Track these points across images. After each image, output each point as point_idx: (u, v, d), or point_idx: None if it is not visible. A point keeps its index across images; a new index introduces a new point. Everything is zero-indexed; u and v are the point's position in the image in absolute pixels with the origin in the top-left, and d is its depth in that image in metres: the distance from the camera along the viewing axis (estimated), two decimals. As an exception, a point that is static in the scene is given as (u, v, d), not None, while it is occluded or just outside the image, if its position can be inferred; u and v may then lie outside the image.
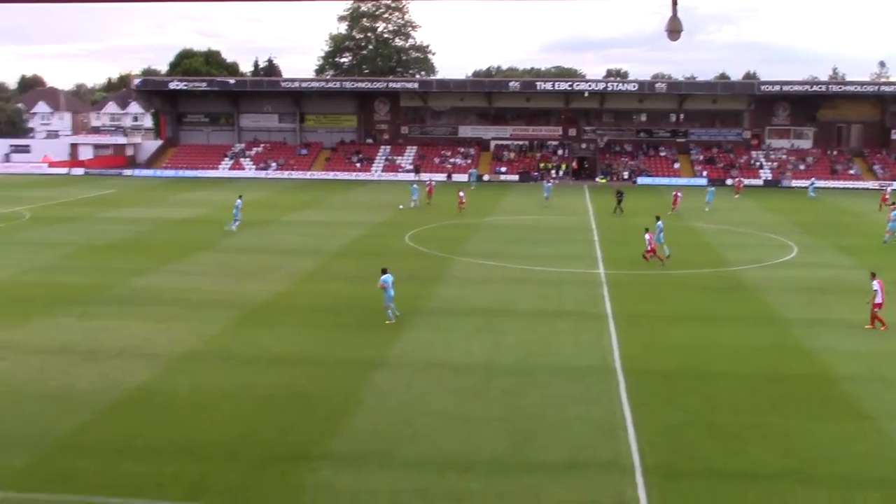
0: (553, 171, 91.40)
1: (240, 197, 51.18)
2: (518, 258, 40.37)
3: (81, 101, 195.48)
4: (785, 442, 18.30)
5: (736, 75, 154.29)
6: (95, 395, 20.54)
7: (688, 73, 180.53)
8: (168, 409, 19.85)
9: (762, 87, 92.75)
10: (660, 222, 41.71)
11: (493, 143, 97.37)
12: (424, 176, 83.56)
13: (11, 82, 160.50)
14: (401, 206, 58.16)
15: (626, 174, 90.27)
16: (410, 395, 21.00)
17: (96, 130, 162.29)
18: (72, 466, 16.56)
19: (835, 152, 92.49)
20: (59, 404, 19.95)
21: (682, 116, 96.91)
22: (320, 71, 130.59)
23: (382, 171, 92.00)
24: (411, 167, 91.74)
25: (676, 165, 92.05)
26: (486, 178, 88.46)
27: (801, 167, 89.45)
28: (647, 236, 38.86)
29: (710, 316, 29.65)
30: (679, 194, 60.19)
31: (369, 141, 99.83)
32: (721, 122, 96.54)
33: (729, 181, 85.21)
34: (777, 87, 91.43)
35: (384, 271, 27.44)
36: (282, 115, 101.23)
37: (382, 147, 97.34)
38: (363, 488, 15.77)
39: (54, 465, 16.61)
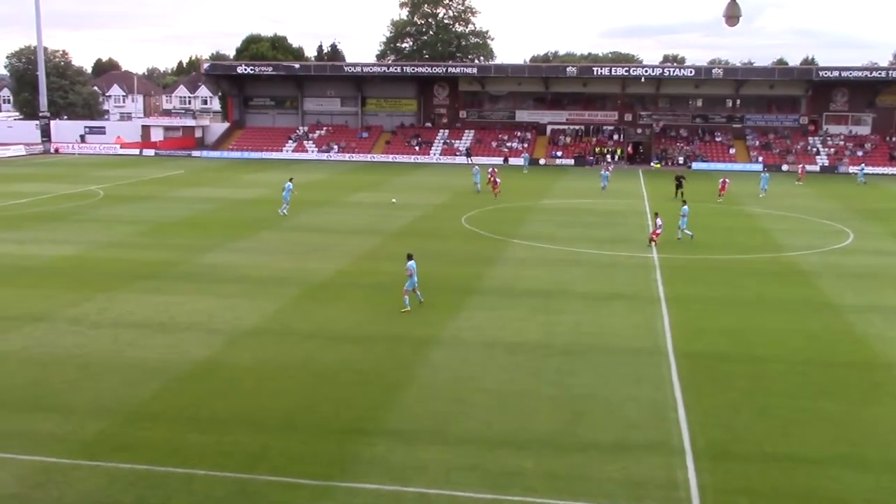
0: (608, 156, 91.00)
1: (290, 180, 50.88)
2: (572, 241, 40.58)
3: (153, 84, 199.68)
4: (835, 427, 18.36)
5: (793, 61, 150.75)
6: (165, 367, 21.49)
7: (745, 59, 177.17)
8: (231, 382, 20.68)
9: (820, 73, 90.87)
10: (685, 207, 41.62)
11: (549, 128, 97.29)
12: (478, 159, 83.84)
13: (88, 66, 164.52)
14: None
15: (681, 159, 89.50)
16: (464, 372, 21.50)
17: (167, 113, 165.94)
18: (141, 435, 17.37)
19: (894, 139, 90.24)
20: (130, 375, 20.91)
21: (738, 102, 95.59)
22: (382, 56, 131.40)
23: (440, 154, 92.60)
24: (463, 152, 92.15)
25: (732, 151, 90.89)
26: (541, 161, 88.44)
27: (859, 153, 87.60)
28: (658, 221, 38.72)
29: (763, 300, 29.57)
30: (727, 181, 58.42)
31: (428, 125, 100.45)
32: (778, 108, 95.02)
33: (785, 167, 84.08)
34: (835, 73, 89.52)
35: (409, 257, 27.12)
36: (344, 99, 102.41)
37: (441, 131, 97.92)
38: (416, 464, 16.22)
39: (125, 434, 17.43)
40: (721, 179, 58.51)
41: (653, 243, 38.27)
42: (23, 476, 15.40)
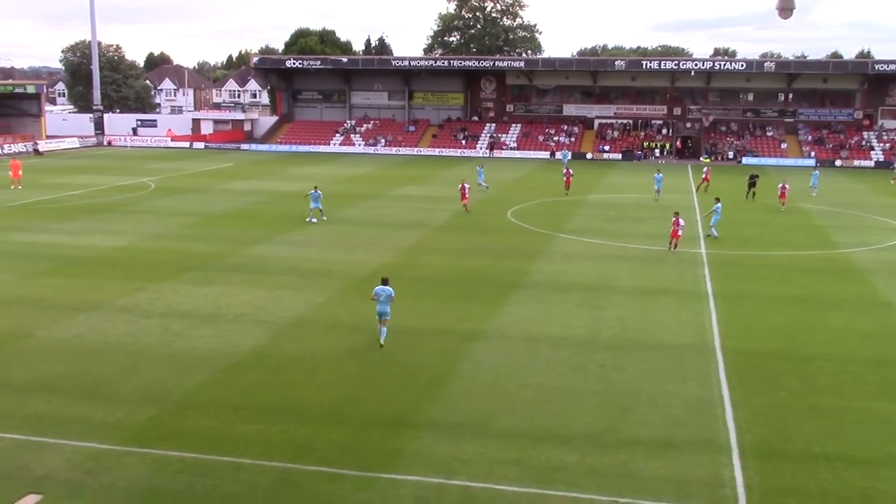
0: (656, 150, 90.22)
1: (315, 188, 45.19)
2: (619, 236, 40.28)
3: (204, 78, 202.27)
4: (888, 427, 18.01)
5: (848, 54, 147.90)
6: (213, 357, 21.82)
7: (798, 52, 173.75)
8: (278, 373, 20.91)
9: (876, 66, 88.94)
10: (718, 205, 40.21)
11: (596, 122, 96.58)
12: (525, 154, 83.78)
13: (140, 60, 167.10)
14: (484, 185, 55.55)
15: (730, 154, 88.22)
16: (508, 367, 21.48)
17: (217, 106, 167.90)
18: (190, 424, 17.67)
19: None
20: (180, 364, 21.27)
21: (790, 96, 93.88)
22: (429, 50, 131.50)
23: (487, 148, 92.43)
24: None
25: (784, 146, 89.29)
26: (588, 156, 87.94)
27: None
28: (680, 221, 35.91)
29: (814, 298, 29.09)
30: (786, 186, 50.82)
31: (475, 118, 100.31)
32: (832, 102, 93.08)
33: (838, 162, 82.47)
34: (892, 66, 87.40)
35: (384, 281, 22.98)
36: (391, 93, 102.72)
37: (487, 124, 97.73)
38: (459, 457, 16.25)
39: (174, 423, 17.74)
40: (780, 185, 50.95)
41: (672, 246, 36.06)
42: (75, 462, 15.75)
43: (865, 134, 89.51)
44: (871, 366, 22.01)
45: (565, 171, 57.41)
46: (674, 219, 36.12)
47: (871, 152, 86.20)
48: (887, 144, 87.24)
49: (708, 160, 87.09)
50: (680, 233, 35.83)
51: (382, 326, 22.66)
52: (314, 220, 43.33)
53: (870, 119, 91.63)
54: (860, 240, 39.97)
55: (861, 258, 35.81)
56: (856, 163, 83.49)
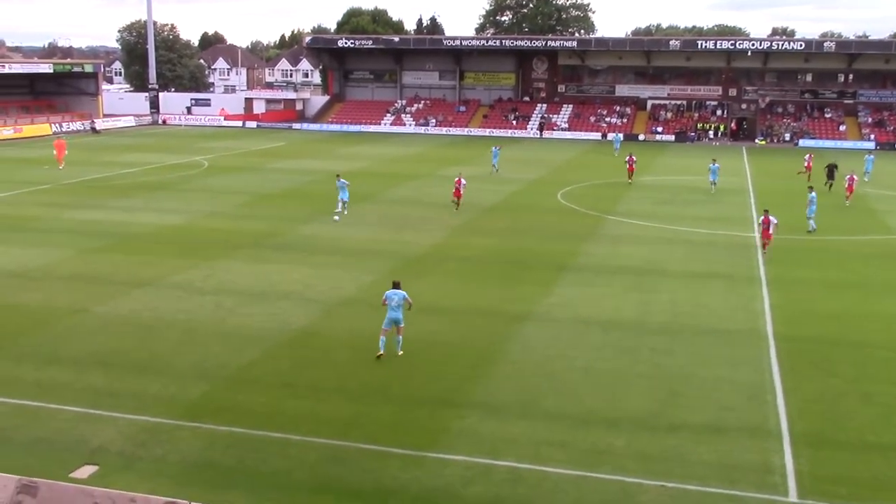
0: (710, 132, 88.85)
1: (338, 176, 41.55)
2: (671, 219, 39.81)
3: (257, 57, 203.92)
4: (945, 417, 17.64)
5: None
6: (264, 334, 22.13)
7: (859, 32, 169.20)
8: (326, 351, 21.14)
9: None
10: (813, 194, 37.33)
11: (649, 103, 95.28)
12: (577, 135, 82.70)
13: (194, 40, 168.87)
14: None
15: (787, 136, 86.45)
16: (556, 349, 21.43)
17: (269, 86, 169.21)
18: (241, 400, 17.95)
19: None
20: (232, 341, 21.61)
21: (850, 77, 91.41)
22: (481, 29, 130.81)
23: (538, 129, 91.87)
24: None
25: (842, 128, 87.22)
26: (641, 137, 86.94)
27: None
28: (772, 219, 31.10)
29: (870, 284, 28.48)
30: (854, 178, 45.50)
31: (526, 99, 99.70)
32: (893, 83, 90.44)
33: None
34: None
35: (395, 285, 20.76)
36: (442, 73, 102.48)
37: (539, 105, 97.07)
38: (505, 437, 16.29)
39: (226, 398, 18.06)
40: (848, 176, 45.63)
41: (763, 249, 31.89)
42: (129, 434, 16.12)
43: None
44: (929, 354, 21.52)
45: (628, 157, 53.14)
46: (762, 217, 31.50)
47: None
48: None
49: (763, 142, 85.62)
50: (772, 232, 30.92)
51: (397, 335, 20.42)
52: (337, 217, 38.44)
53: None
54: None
55: (920, 244, 34.95)
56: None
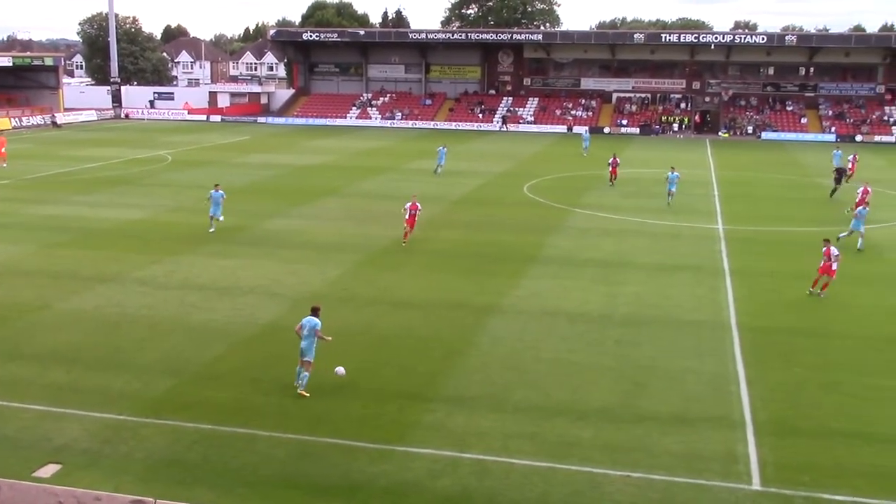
0: (675, 125, 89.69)
1: (216, 186, 34.69)
2: (636, 211, 40.09)
3: (221, 50, 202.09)
4: (906, 405, 17.95)
5: (871, 28, 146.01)
6: (230, 329, 21.97)
7: (820, 26, 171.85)
8: (294, 346, 20.79)
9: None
10: (866, 209, 32.83)
11: (614, 96, 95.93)
12: (542, 128, 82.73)
13: (157, 32, 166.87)
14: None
15: (749, 129, 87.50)
16: (524, 341, 21.50)
17: (234, 79, 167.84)
18: (207, 395, 17.82)
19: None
20: (197, 336, 21.43)
21: (811, 70, 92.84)
22: (446, 22, 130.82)
23: (501, 122, 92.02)
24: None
25: (804, 120, 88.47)
26: (606, 130, 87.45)
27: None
28: (833, 251, 25.94)
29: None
30: (868, 190, 39.43)
31: (492, 92, 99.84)
32: (853, 77, 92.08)
33: (859, 137, 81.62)
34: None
35: (312, 311, 18.31)
36: (408, 66, 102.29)
37: (504, 98, 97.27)
38: (473, 430, 16.33)
39: (191, 394, 17.91)
40: (861, 188, 39.59)
41: (821, 288, 26.18)
42: (94, 432, 15.92)
43: (887, 109, 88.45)
44: (889, 342, 21.89)
45: (612, 159, 49.01)
46: (825, 249, 26.20)
47: (893, 128, 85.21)
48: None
49: (727, 134, 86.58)
50: (835, 268, 25.75)
51: (302, 370, 17.82)
52: (213, 229, 33.49)
53: (892, 94, 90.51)
54: (882, 216, 39.55)
55: (880, 235, 35.47)
56: (876, 138, 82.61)
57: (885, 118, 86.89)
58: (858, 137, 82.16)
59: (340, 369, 17.89)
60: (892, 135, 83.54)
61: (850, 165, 51.37)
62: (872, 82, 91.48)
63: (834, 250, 25.70)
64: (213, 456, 15.11)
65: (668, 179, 41.87)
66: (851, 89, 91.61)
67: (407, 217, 31.85)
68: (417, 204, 32.31)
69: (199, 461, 14.95)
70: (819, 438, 16.36)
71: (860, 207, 32.70)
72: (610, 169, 48.62)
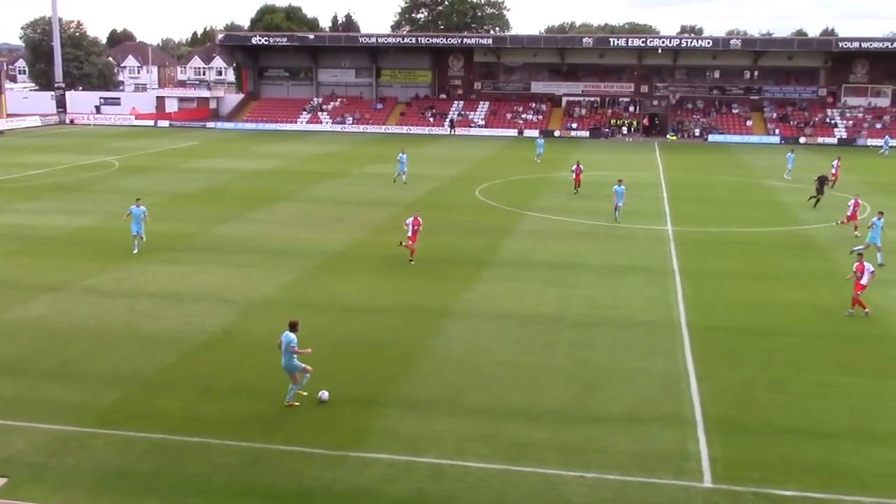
0: (624, 128, 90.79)
1: (137, 201, 32.01)
2: (588, 213, 40.45)
3: (168, 55, 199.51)
4: (850, 401, 18.35)
5: (813, 32, 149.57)
6: (180, 337, 21.68)
7: (764, 30, 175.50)
8: (246, 352, 20.83)
9: (840, 44, 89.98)
10: (881, 219, 30.90)
11: (564, 99, 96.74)
12: (493, 131, 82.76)
13: (102, 37, 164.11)
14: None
15: (697, 131, 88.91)
16: (477, 344, 21.57)
17: (181, 84, 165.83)
18: (157, 405, 17.57)
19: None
20: (147, 345, 21.11)
21: (756, 73, 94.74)
22: (397, 27, 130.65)
23: (449, 126, 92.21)
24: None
25: (749, 123, 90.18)
26: (556, 133, 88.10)
27: (878, 126, 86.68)
28: (867, 266, 24.49)
29: (778, 274, 29.48)
30: (859, 202, 36.86)
31: (443, 96, 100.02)
32: (796, 80, 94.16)
33: (802, 139, 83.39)
34: (856, 44, 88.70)
35: (292, 326, 17.57)
36: (358, 70, 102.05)
37: (455, 102, 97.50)
38: (428, 434, 16.35)
39: (141, 404, 17.62)
40: (852, 200, 36.61)
41: (853, 307, 24.76)
42: (40, 444, 15.60)
43: (829, 111, 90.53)
44: (834, 340, 22.42)
45: (575, 166, 47.81)
46: (856, 263, 24.88)
47: (835, 129, 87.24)
48: (850, 122, 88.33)
49: (674, 137, 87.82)
50: (865, 283, 24.33)
51: (292, 384, 17.61)
52: (136, 249, 30.98)
53: (833, 96, 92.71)
54: (823, 216, 40.48)
55: (823, 234, 36.35)
56: (819, 140, 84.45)
57: (828, 120, 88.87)
58: (802, 139, 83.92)
59: (324, 393, 17.80)
60: (834, 136, 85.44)
61: (832, 171, 50.44)
62: (815, 85, 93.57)
63: (868, 266, 24.49)
64: (164, 466, 14.90)
65: (615, 193, 38.39)
66: (795, 92, 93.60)
67: (409, 233, 29.95)
68: (419, 219, 30.40)
69: (151, 472, 14.73)
70: (767, 435, 16.65)
71: (875, 218, 30.90)
72: (574, 176, 47.34)
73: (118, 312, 23.75)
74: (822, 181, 44.34)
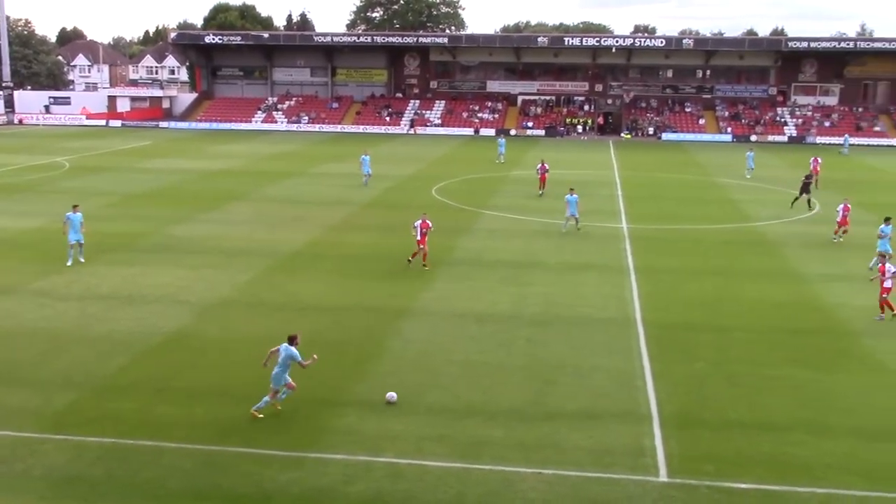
0: (579, 127, 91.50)
1: (74, 207, 30.32)
2: (544, 212, 40.67)
3: (119, 53, 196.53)
4: (801, 394, 18.67)
5: (764, 31, 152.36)
6: (134, 339, 21.36)
7: (716, 30, 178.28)
8: (201, 354, 20.60)
9: (789, 44, 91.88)
10: (888, 227, 29.49)
11: (520, 98, 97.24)
12: (450, 130, 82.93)
13: (52, 35, 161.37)
14: None
15: (650, 130, 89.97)
16: (435, 343, 21.57)
17: (134, 83, 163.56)
18: (109, 408, 17.29)
19: (860, 109, 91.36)
20: (98, 348, 20.76)
21: (708, 72, 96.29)
22: (352, 25, 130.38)
23: (409, 125, 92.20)
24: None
25: (701, 121, 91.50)
26: (512, 132, 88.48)
27: (826, 124, 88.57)
28: (889, 267, 24.10)
29: (731, 270, 29.90)
30: (849, 206, 35.04)
31: (399, 95, 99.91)
32: (747, 79, 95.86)
33: (753, 137, 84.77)
34: (804, 44, 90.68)
35: (291, 340, 17.00)
36: (314, 69, 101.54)
37: (412, 101, 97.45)
38: (386, 434, 16.30)
39: (93, 407, 17.34)
40: (841, 205, 35.08)
41: (882, 312, 24.28)
42: (-10, 450, 15.28)
43: (779, 110, 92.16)
44: (785, 334, 22.79)
45: (540, 165, 47.02)
46: (879, 263, 25.31)
47: (785, 128, 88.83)
48: (800, 120, 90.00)
49: (629, 136, 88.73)
50: (889, 284, 24.02)
51: (268, 396, 16.93)
52: (71, 260, 29.16)
53: (783, 95, 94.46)
54: (773, 213, 41.22)
55: (773, 231, 36.99)
56: (770, 138, 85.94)
57: (778, 119, 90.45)
58: (753, 137, 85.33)
59: (392, 395, 17.80)
60: (784, 135, 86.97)
61: (812, 167, 49.73)
62: (765, 84, 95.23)
63: (890, 267, 24.08)
64: (117, 470, 14.68)
65: (567, 202, 35.58)
66: (746, 91, 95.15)
67: (418, 237, 28.88)
68: (429, 222, 29.21)
69: (104, 476, 14.50)
70: (721, 429, 16.87)
71: (883, 226, 29.47)
72: (539, 176, 46.54)
73: (69, 315, 23.34)
74: (807, 181, 43.20)
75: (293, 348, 16.80)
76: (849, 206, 34.95)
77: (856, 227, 35.10)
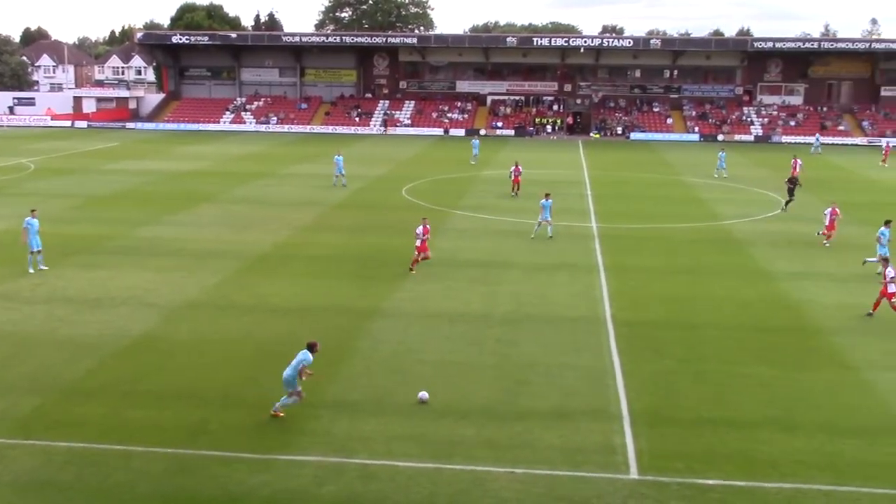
0: (548, 127, 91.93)
1: (32, 212, 28.95)
2: (514, 212, 40.76)
3: (85, 54, 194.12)
4: (769, 391, 18.87)
5: (730, 32, 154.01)
6: (101, 342, 21.13)
7: (682, 30, 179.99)
8: (170, 356, 20.43)
9: (755, 44, 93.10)
10: (885, 230, 28.86)
11: (489, 98, 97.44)
12: (420, 130, 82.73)
13: (15, 35, 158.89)
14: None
15: (619, 129, 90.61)
16: (405, 344, 21.55)
17: (99, 84, 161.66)
18: (77, 412, 17.10)
19: (825, 108, 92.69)
20: (66, 351, 20.51)
21: (675, 73, 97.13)
22: (321, 25, 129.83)
23: (381, 125, 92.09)
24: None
25: (669, 121, 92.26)
26: (482, 132, 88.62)
27: (792, 123, 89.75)
28: (889, 271, 24.06)
29: (699, 268, 30.18)
30: (837, 211, 33.79)
31: (368, 95, 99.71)
32: (714, 79, 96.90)
33: (720, 137, 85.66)
34: (770, 44, 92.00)
35: (311, 347, 17.07)
36: (282, 70, 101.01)
37: (381, 101, 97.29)
38: (358, 435, 16.26)
39: (60, 411, 17.15)
40: (829, 209, 34.06)
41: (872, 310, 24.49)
42: (-46, 456, 15.04)
43: (745, 109, 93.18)
44: (753, 332, 23.03)
45: (514, 167, 46.30)
46: (885, 269, 24.79)
47: (751, 127, 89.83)
48: (765, 119, 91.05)
49: (598, 135, 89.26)
50: (893, 290, 23.89)
51: (286, 397, 16.99)
52: (33, 268, 28.05)
53: (749, 95, 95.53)
54: (741, 212, 41.63)
55: (741, 229, 37.37)
56: (737, 137, 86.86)
57: (744, 118, 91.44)
58: (720, 137, 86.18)
59: (424, 395, 17.84)
60: (750, 134, 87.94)
61: (794, 170, 49.26)
62: (732, 84, 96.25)
63: (891, 271, 23.90)
64: (86, 475, 14.52)
65: (543, 206, 34.62)
66: (713, 91, 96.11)
67: (419, 243, 28.72)
68: (428, 227, 29.28)
69: (72, 481, 14.34)
70: (690, 426, 17.02)
71: (882, 229, 28.82)
72: (512, 178, 45.83)
73: (36, 319, 23.04)
74: (792, 182, 42.82)
75: (311, 356, 16.82)
76: (837, 210, 33.68)
77: (821, 225, 34.86)
